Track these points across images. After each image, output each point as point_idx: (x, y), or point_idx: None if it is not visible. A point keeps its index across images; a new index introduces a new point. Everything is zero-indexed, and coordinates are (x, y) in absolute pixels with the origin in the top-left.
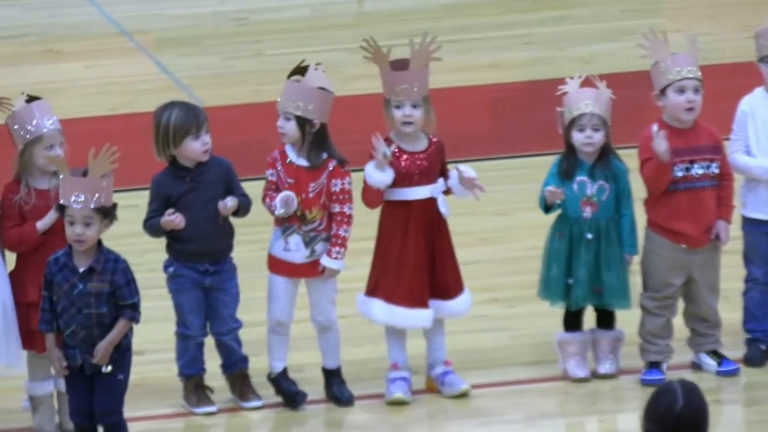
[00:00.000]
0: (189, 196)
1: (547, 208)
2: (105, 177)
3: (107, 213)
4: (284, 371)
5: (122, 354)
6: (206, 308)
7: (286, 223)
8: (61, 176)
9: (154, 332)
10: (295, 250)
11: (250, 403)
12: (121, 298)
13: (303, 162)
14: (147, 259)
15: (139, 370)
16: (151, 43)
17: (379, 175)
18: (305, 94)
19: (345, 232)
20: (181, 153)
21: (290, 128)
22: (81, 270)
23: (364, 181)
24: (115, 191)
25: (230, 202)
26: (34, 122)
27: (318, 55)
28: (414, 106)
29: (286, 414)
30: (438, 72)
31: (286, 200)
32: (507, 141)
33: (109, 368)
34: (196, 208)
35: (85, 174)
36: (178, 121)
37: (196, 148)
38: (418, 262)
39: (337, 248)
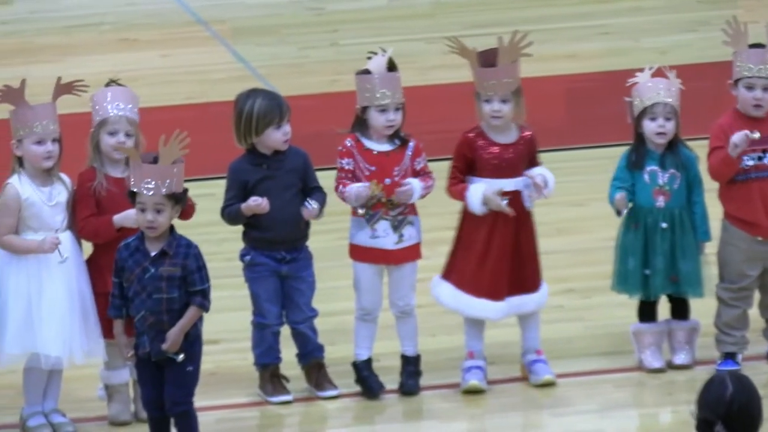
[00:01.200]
0: (265, 183)
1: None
2: (176, 163)
3: (178, 199)
4: (368, 360)
5: (192, 344)
6: (282, 297)
7: (370, 211)
8: (131, 163)
9: (231, 321)
10: (384, 236)
11: (326, 393)
12: (191, 284)
13: (385, 147)
14: (224, 248)
15: (214, 359)
16: (228, 32)
17: (481, 210)
18: (397, 82)
19: (430, 189)
20: (262, 142)
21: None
22: (153, 254)
23: (457, 192)
24: (191, 180)
25: (314, 204)
26: (104, 105)
27: (394, 45)
28: (503, 101)
29: (363, 403)
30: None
31: (359, 194)
32: (582, 131)
33: (181, 357)
34: (272, 196)
35: (155, 161)
36: (261, 110)
37: (277, 137)
38: (500, 254)
39: (426, 183)
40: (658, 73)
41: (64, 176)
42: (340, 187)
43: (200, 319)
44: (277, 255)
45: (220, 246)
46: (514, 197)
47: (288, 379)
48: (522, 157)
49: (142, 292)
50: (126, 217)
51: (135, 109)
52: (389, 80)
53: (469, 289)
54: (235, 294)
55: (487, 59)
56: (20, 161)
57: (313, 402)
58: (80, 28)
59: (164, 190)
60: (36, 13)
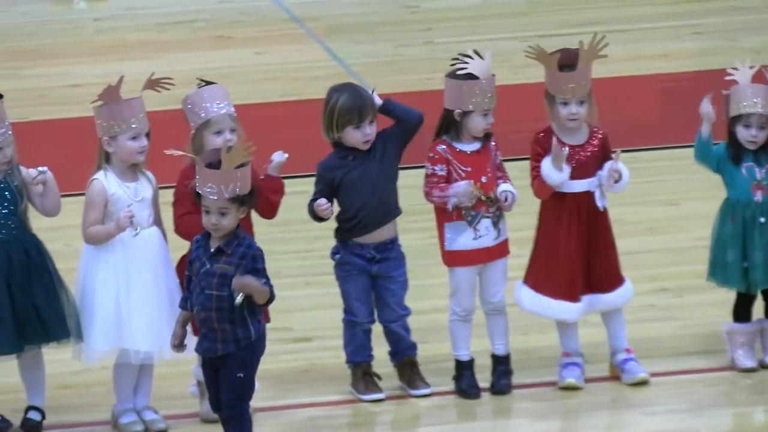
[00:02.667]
0: (353, 177)
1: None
2: (241, 167)
3: (244, 201)
4: (471, 361)
5: (244, 351)
6: (374, 295)
7: (471, 212)
8: (196, 166)
9: (324, 319)
10: (486, 234)
11: (419, 391)
12: None
13: (475, 146)
14: (316, 246)
15: (307, 357)
16: (322, 29)
17: (558, 176)
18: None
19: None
20: (344, 139)
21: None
22: (212, 250)
23: (537, 176)
24: (285, 177)
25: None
26: (204, 106)
27: (488, 43)
28: (580, 103)
29: (455, 401)
30: (608, 62)
31: (466, 191)
32: (676, 131)
33: (239, 298)
34: (361, 191)
35: (217, 164)
36: (342, 107)
37: (356, 137)
38: (572, 255)
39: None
40: (759, 75)
41: (148, 173)
42: (435, 191)
43: (263, 332)
44: (367, 254)
45: (312, 244)
46: (585, 198)
47: (380, 377)
48: (594, 158)
49: (197, 286)
50: None
51: (230, 103)
52: (492, 84)
53: (546, 291)
54: (328, 291)
55: (564, 62)
56: (107, 157)
57: (405, 400)
58: (174, 25)
59: (227, 194)
60: (131, 10)
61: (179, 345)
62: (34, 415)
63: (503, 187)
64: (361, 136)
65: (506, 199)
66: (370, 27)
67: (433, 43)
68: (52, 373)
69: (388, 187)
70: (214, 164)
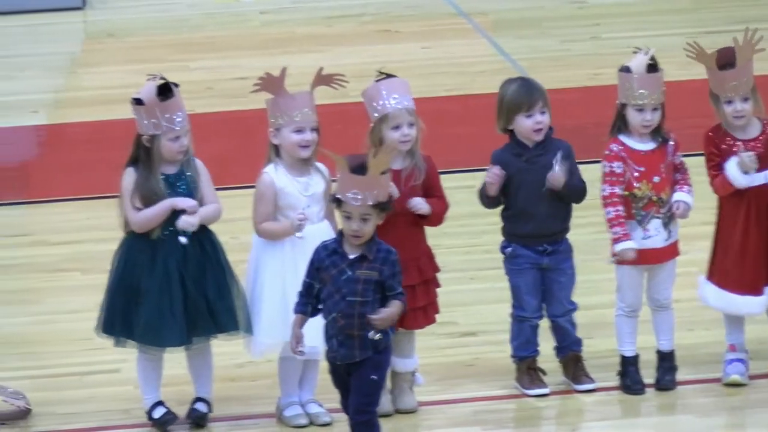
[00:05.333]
0: (524, 175)
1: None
2: (384, 173)
3: (384, 207)
4: (636, 357)
5: (379, 354)
6: (542, 290)
7: (641, 211)
8: (338, 170)
9: (488, 314)
10: (656, 235)
11: (583, 386)
12: (389, 289)
13: (650, 145)
14: (483, 240)
15: (471, 351)
16: (489, 24)
17: (746, 179)
18: (657, 83)
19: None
20: (516, 129)
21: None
22: (351, 257)
23: (717, 174)
24: (449, 172)
25: (559, 167)
26: (380, 101)
27: (655, 39)
28: (744, 100)
29: (619, 397)
30: (766, 59)
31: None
32: None
33: (378, 336)
34: (530, 189)
35: (362, 169)
36: (511, 96)
37: (527, 125)
38: (754, 248)
39: (690, 188)
40: None
41: (321, 166)
42: (616, 228)
43: (390, 331)
44: (539, 247)
45: (479, 238)
46: (766, 190)
47: (545, 372)
48: None
49: (336, 293)
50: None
51: (410, 96)
52: (649, 80)
53: (731, 286)
54: (493, 286)
55: (723, 61)
56: (277, 151)
57: (569, 395)
58: (341, 19)
59: (371, 201)
60: (298, 4)
61: (300, 349)
62: (201, 407)
63: (677, 196)
64: (531, 123)
65: (678, 209)
66: (536, 22)
67: (599, 39)
68: (218, 366)
69: (555, 194)
70: (360, 170)
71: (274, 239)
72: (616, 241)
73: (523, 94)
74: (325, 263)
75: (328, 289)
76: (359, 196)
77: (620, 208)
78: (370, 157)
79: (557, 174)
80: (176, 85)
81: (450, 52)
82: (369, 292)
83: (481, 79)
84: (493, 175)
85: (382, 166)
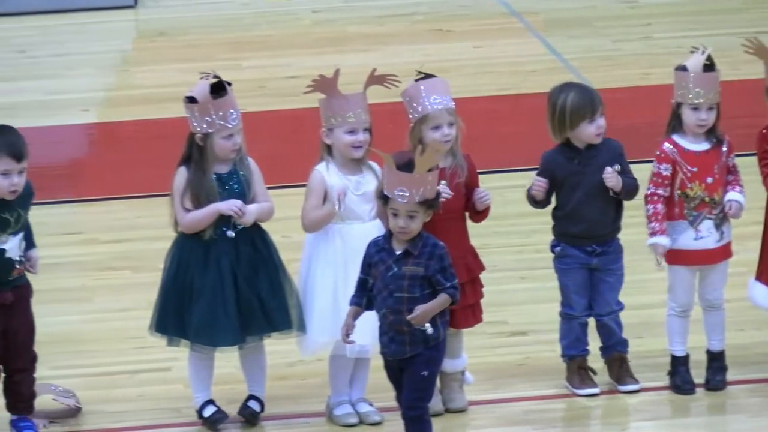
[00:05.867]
0: (576, 178)
1: None
2: (431, 170)
3: (431, 204)
4: (686, 357)
5: (431, 350)
6: (590, 289)
7: (693, 212)
8: (384, 167)
9: (539, 313)
10: (707, 236)
11: (627, 387)
12: (437, 283)
13: (704, 146)
14: (533, 240)
15: (522, 351)
16: (541, 23)
17: None
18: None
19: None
20: (576, 136)
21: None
22: (397, 253)
23: None
24: (501, 172)
25: (612, 169)
26: (420, 101)
27: (706, 39)
28: None
29: (669, 397)
30: None
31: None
32: None
33: (429, 328)
34: (582, 191)
35: (409, 166)
36: (574, 104)
37: (590, 131)
38: None
39: (742, 188)
40: None
41: (374, 165)
42: (653, 219)
43: (443, 326)
44: (588, 248)
45: (529, 237)
46: None
47: (595, 372)
48: None
49: (384, 290)
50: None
51: (449, 96)
52: (704, 80)
53: None
54: (543, 286)
55: None
56: (329, 150)
57: (616, 395)
58: (393, 18)
59: (418, 198)
60: (350, 3)
61: (350, 338)
62: (254, 405)
63: (730, 195)
64: (594, 129)
65: (731, 208)
66: (588, 21)
67: (651, 38)
68: (268, 365)
69: (607, 197)
70: (407, 167)
71: (319, 226)
72: (651, 235)
73: (587, 101)
74: (375, 259)
75: (377, 286)
76: (406, 194)
77: (659, 206)
78: (417, 155)
79: (612, 180)
80: (229, 84)
81: (501, 52)
82: (415, 288)
83: (532, 78)
84: (537, 186)
85: (429, 163)
